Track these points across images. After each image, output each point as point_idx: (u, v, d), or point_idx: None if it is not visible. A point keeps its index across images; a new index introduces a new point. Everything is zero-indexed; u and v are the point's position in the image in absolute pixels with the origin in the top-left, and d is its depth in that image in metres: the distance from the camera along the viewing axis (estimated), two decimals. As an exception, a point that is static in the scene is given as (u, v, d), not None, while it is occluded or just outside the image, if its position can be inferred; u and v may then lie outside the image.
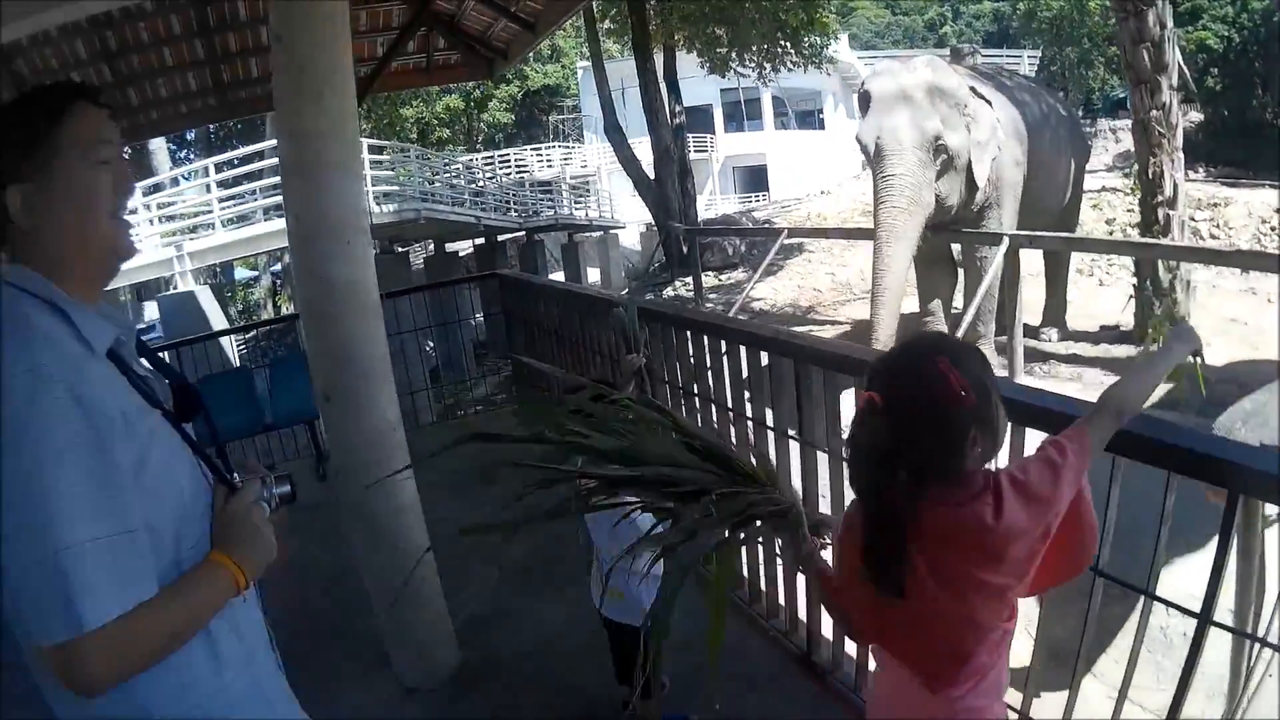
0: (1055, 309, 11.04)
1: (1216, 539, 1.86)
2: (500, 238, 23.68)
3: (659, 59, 19.67)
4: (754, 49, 20.09)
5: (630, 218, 30.84)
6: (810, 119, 41.47)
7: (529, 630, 3.96)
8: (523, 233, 24.51)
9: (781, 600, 3.64)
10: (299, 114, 3.06)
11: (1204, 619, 1.90)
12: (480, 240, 23.28)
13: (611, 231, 28.72)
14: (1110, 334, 10.47)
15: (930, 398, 1.48)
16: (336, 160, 3.10)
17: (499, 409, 10.15)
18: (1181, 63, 10.08)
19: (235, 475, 1.56)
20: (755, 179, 38.54)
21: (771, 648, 3.56)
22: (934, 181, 8.07)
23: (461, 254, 25.65)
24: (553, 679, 3.59)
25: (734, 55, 20.20)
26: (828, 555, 1.88)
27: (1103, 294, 12.50)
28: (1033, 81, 12.83)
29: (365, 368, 3.24)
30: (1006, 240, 8.32)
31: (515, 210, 24.58)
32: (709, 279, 17.38)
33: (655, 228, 21.44)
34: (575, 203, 29.39)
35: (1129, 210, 15.57)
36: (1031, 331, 10.23)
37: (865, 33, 50.56)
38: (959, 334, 8.13)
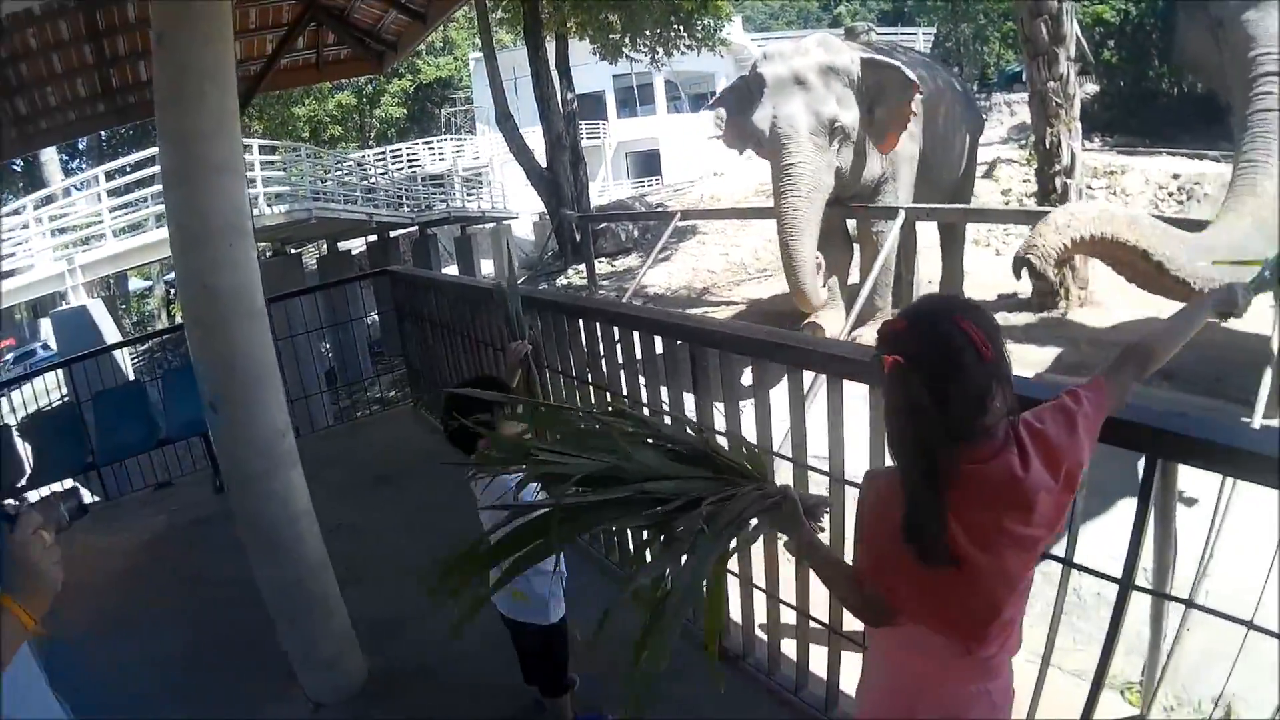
0: (952, 280, 11.18)
1: (1135, 503, 1.94)
2: (393, 233, 23.49)
3: (551, 47, 19.55)
4: (647, 34, 19.98)
5: (523, 208, 30.63)
6: (703, 102, 40.43)
7: (436, 633, 3.86)
8: (415, 227, 24.27)
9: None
10: (180, 115, 2.94)
11: (1126, 584, 1.97)
12: (373, 237, 23.03)
13: (504, 222, 28.69)
14: (1008, 302, 10.58)
15: (956, 356, 1.50)
16: (218, 161, 2.98)
17: (395, 406, 9.99)
18: (1080, 35, 10.26)
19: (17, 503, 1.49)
20: (648, 164, 38.53)
21: (680, 636, 3.48)
22: (833, 164, 8.09)
23: (355, 252, 25.27)
24: (463, 682, 3.51)
25: (627, 40, 20.04)
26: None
27: (999, 264, 12.46)
28: (927, 57, 12.94)
29: (251, 374, 3.12)
30: (902, 214, 8.36)
31: (408, 205, 24.29)
32: (602, 266, 17.34)
33: (548, 217, 21.31)
34: (468, 195, 29.18)
35: (1024, 180, 16.08)
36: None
37: (759, 14, 50.72)
38: (855, 309, 8.20)
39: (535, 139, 20.45)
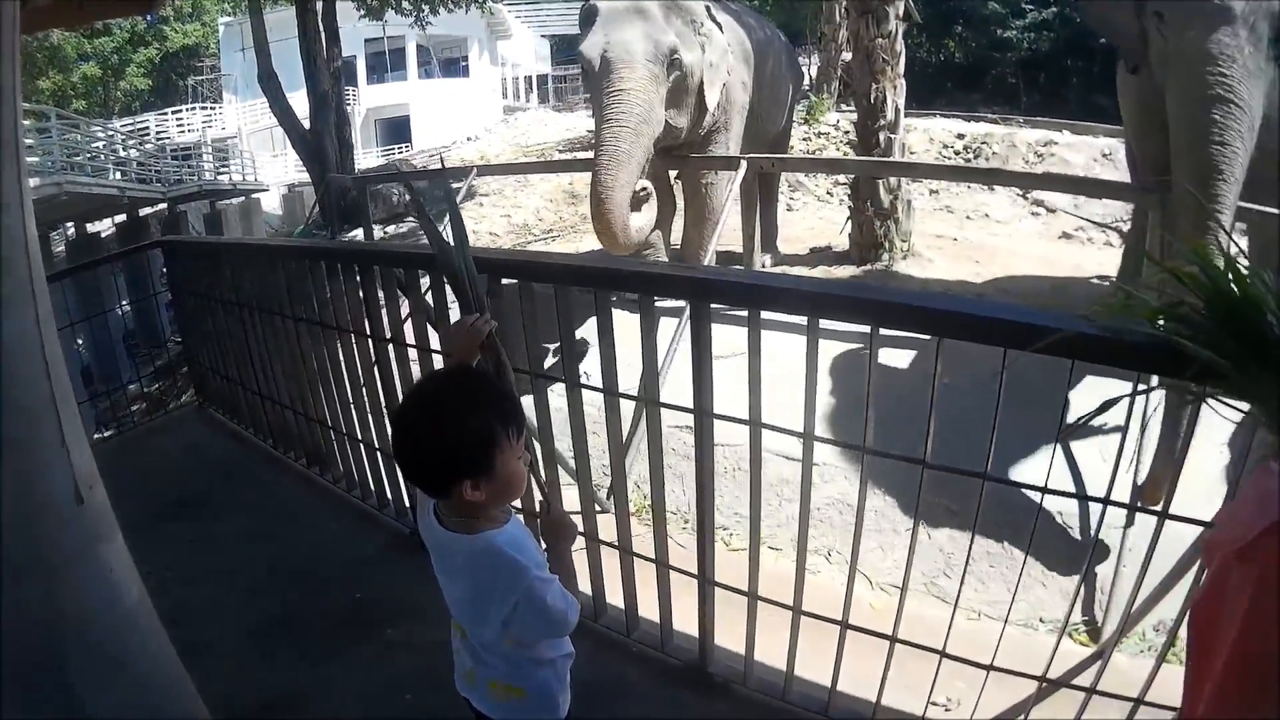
0: (768, 234, 10.82)
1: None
2: (143, 211, 21.68)
3: (320, 6, 18.39)
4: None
5: (271, 179, 29.65)
6: (454, 67, 41.32)
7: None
8: (165, 205, 22.50)
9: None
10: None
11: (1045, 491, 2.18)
12: (122, 217, 21.32)
13: (254, 196, 27.32)
14: (825, 255, 10.49)
15: None
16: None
17: (174, 408, 8.72)
18: None
19: None
20: (398, 130, 38.01)
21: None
22: (664, 100, 7.40)
23: (104, 235, 23.06)
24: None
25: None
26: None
27: (792, 219, 12.62)
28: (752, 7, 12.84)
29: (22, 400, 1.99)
30: (744, 164, 7.73)
31: (158, 181, 22.45)
32: (375, 233, 16.24)
33: (297, 189, 19.97)
34: (219, 169, 27.66)
35: (804, 139, 16.55)
36: (739, 259, 9.94)
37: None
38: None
39: (295, 103, 19.31)
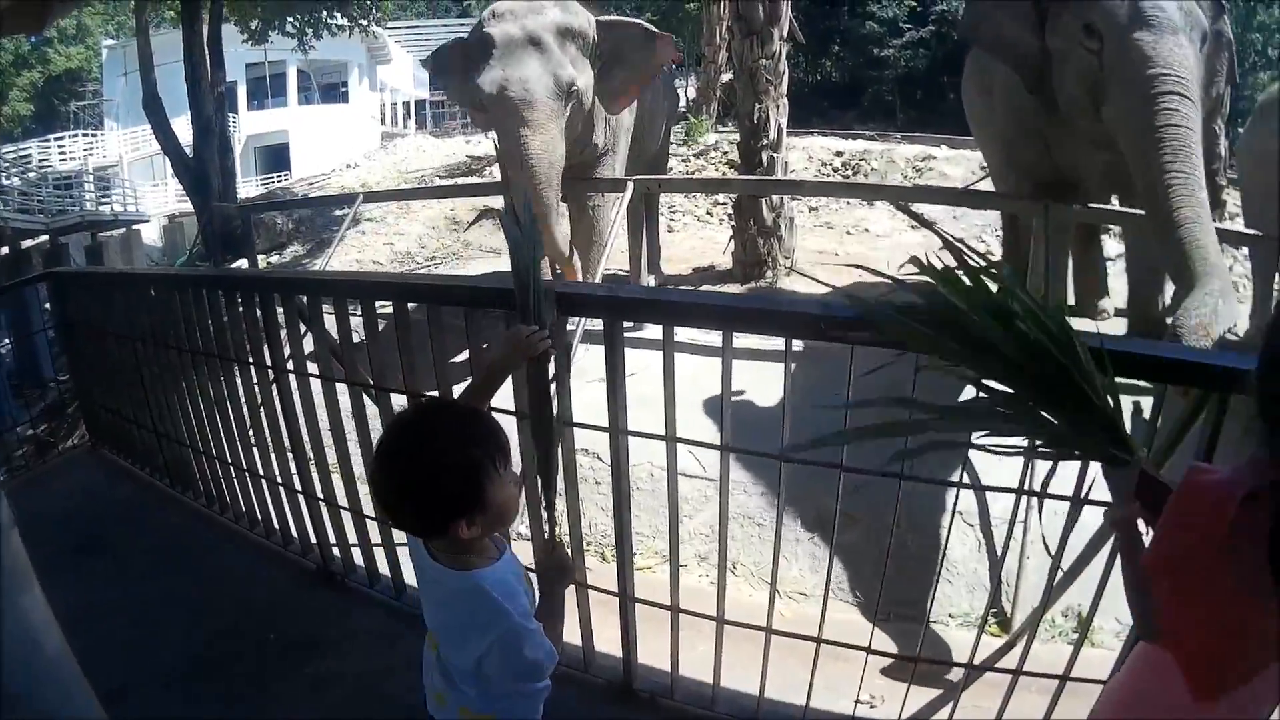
0: (652, 255, 10.89)
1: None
2: (24, 244, 20.89)
3: (205, 29, 17.93)
4: (298, 15, 18.85)
5: (152, 210, 28.95)
6: (334, 92, 40.70)
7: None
8: (47, 237, 21.70)
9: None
10: None
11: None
12: (4, 250, 20.29)
13: (134, 227, 26.55)
14: (709, 275, 10.61)
15: None
16: None
17: (61, 450, 8.41)
18: (792, 16, 10.36)
19: None
20: (278, 158, 37.05)
21: None
22: (562, 131, 7.40)
23: (-20, 273, 22.20)
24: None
25: (276, 23, 18.80)
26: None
27: (673, 239, 12.72)
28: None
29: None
30: (631, 185, 7.94)
31: (41, 212, 21.93)
32: (260, 262, 15.91)
33: (178, 220, 19.48)
34: (100, 198, 26.82)
35: (683, 161, 16.73)
36: (626, 281, 10.01)
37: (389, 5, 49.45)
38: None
39: (178, 129, 18.85)
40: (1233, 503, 1.28)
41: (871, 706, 3.20)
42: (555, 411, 2.14)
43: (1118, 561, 1.70)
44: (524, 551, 2.06)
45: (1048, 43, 5.42)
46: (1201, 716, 1.47)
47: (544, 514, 1.99)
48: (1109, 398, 1.63)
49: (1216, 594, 1.35)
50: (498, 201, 10.41)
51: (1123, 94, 4.87)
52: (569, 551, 2.02)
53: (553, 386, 2.03)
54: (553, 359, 2.08)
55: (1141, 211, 5.06)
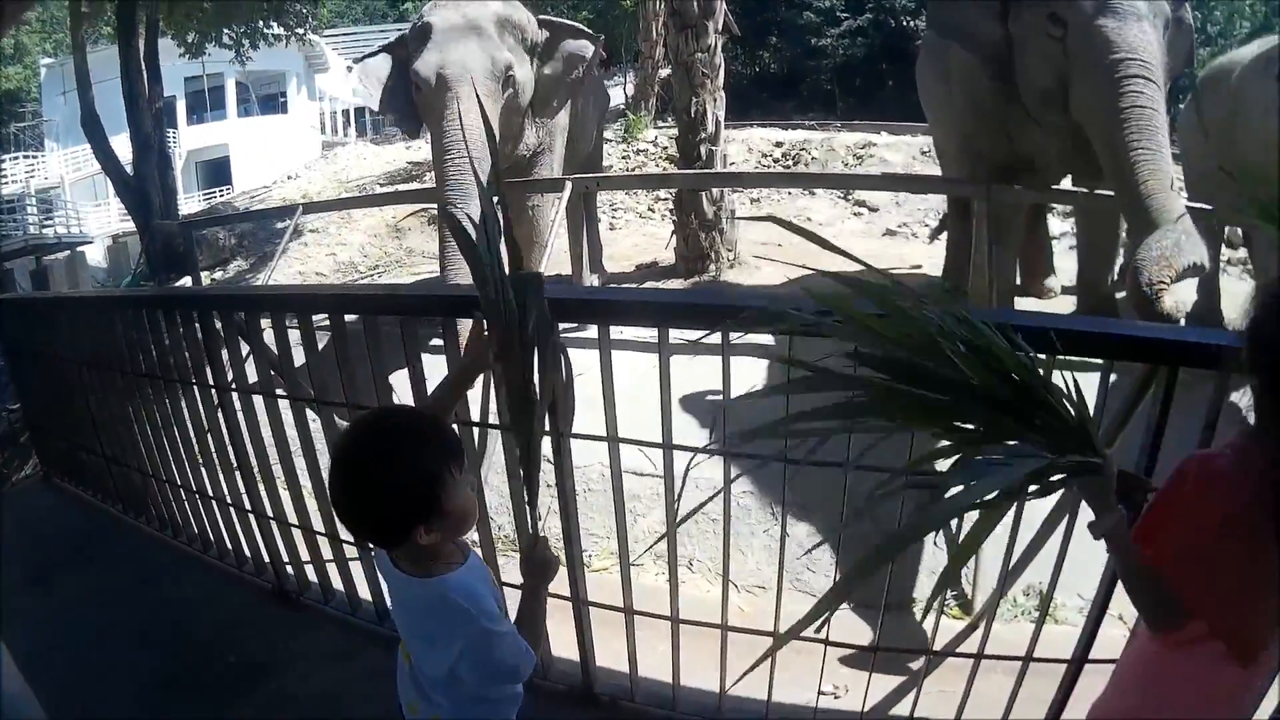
0: (593, 253, 10.87)
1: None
2: (-34, 271, 20.34)
3: (141, 44, 17.54)
4: (234, 26, 18.57)
5: (95, 230, 28.30)
6: (273, 103, 40.08)
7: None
8: (-11, 264, 21.30)
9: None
10: None
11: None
12: (-55, 279, 19.82)
13: (79, 249, 26.05)
14: (652, 271, 10.60)
15: None
16: None
17: (24, 481, 8.25)
18: (727, 10, 10.42)
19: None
20: (219, 172, 36.41)
21: None
22: (498, 119, 7.32)
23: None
24: None
25: (212, 35, 18.50)
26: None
27: (615, 237, 12.68)
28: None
29: None
30: (569, 185, 7.87)
31: (-17, 238, 21.34)
32: (204, 279, 15.69)
33: (122, 240, 19.16)
34: (43, 221, 26.49)
35: (623, 157, 16.63)
36: (568, 281, 10.00)
37: (328, 13, 48.86)
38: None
39: (118, 147, 18.46)
40: (1249, 483, 1.34)
41: (835, 697, 3.22)
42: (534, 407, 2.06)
43: (1074, 537, 1.72)
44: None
45: (1010, 30, 5.54)
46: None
47: (527, 511, 1.97)
48: (1069, 406, 1.49)
49: (1242, 566, 1.41)
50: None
51: (1089, 79, 5.01)
52: (553, 549, 1.99)
53: (535, 383, 1.95)
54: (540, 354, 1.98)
55: (1087, 190, 5.40)
